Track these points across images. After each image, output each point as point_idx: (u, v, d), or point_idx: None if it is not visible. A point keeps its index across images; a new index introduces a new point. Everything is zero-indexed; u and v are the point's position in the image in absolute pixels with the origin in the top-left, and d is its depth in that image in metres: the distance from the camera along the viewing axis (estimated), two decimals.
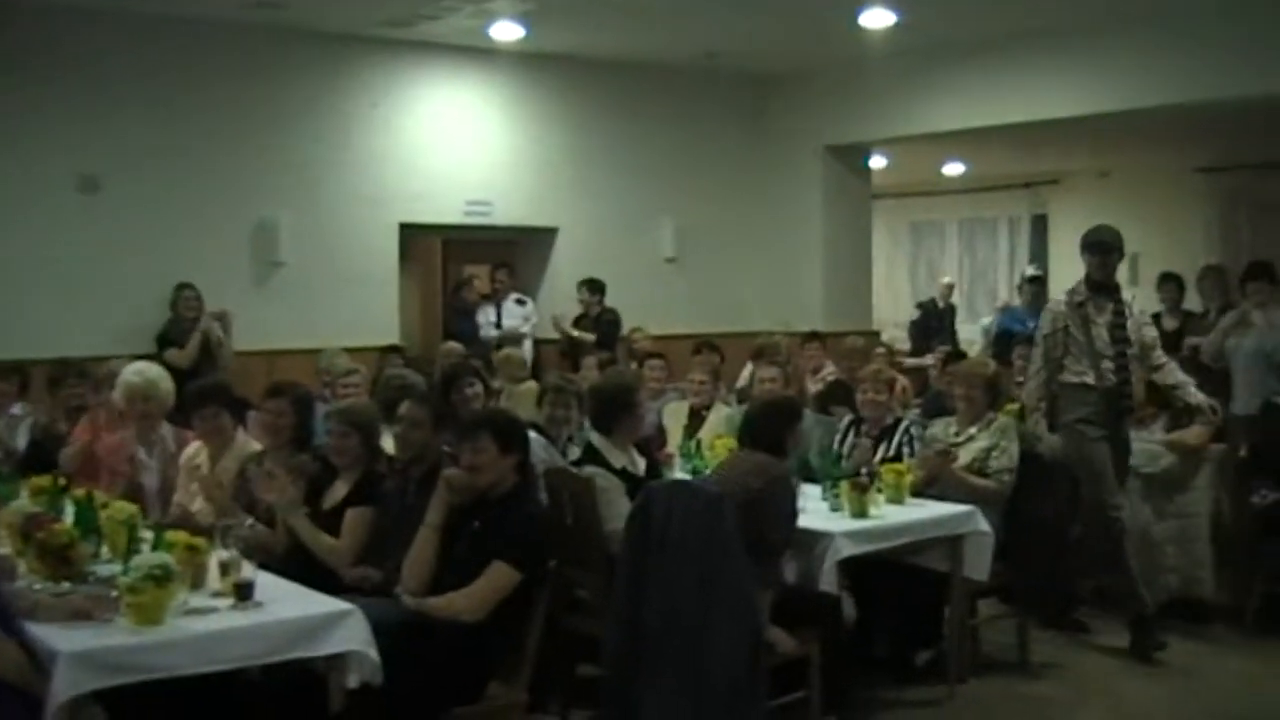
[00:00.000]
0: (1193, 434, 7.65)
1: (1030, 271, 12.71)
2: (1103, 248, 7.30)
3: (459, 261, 13.32)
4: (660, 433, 8.01)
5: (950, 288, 16.14)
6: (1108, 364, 7.07)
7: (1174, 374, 7.28)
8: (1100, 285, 7.24)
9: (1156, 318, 10.84)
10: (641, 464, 6.09)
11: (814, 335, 10.99)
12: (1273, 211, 14.22)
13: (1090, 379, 7.07)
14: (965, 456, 6.78)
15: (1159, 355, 7.33)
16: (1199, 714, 6.26)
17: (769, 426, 5.71)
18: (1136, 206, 15.69)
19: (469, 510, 5.03)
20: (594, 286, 11.97)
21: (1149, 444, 7.77)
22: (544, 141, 12.39)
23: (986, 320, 15.96)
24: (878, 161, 14.12)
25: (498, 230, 12.59)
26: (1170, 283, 11.06)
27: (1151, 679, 6.74)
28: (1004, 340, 11.32)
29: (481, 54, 11.78)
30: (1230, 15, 10.03)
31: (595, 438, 6.07)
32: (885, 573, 6.34)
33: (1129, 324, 7.18)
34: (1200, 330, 9.97)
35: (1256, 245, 14.17)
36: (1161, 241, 14.76)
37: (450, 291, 12.15)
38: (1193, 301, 11.02)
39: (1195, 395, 7.17)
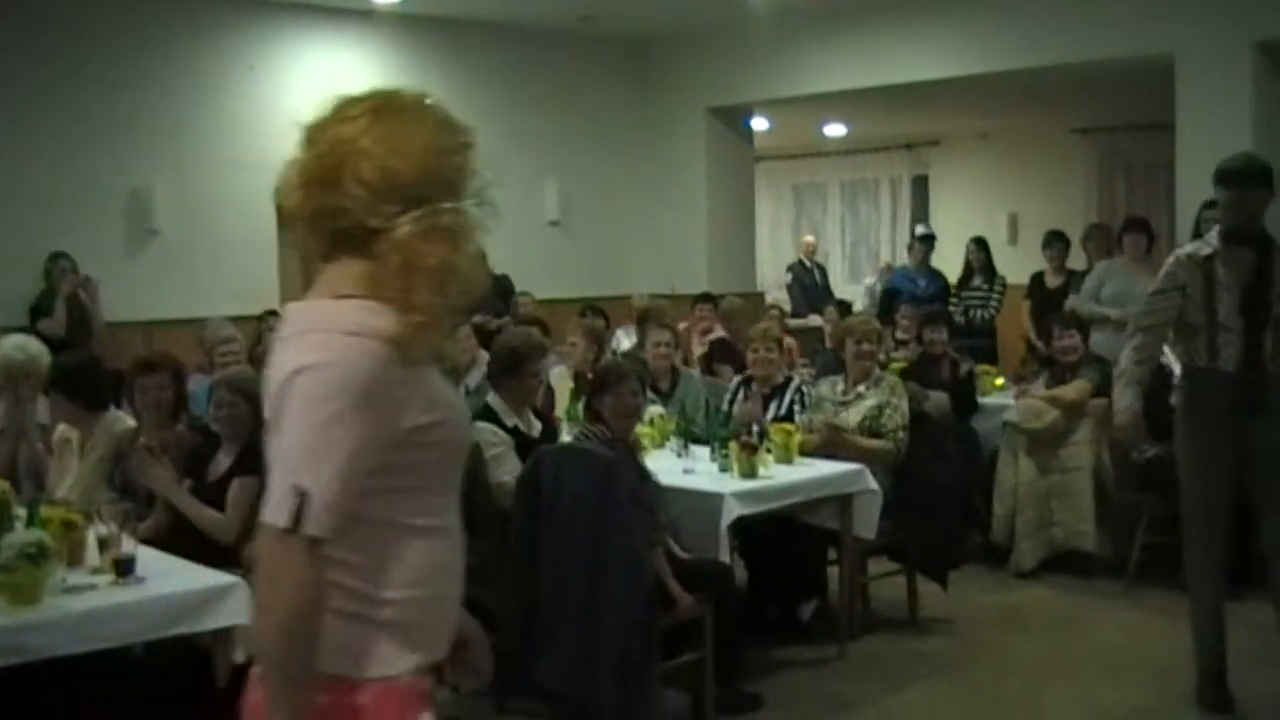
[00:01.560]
0: (1073, 389, 7.77)
1: (921, 230, 12.78)
2: (1238, 178, 5.34)
3: None
4: (550, 396, 7.98)
5: (812, 246, 16.22)
6: (1231, 340, 5.32)
7: None
8: (1236, 233, 5.37)
9: (1040, 276, 11.03)
10: (537, 426, 6.08)
11: (706, 297, 11.00)
12: (1148, 171, 14.43)
13: (1202, 360, 5.42)
14: (855, 415, 6.82)
15: None
16: (1082, 664, 6.36)
17: (587, 400, 5.71)
18: (1015, 167, 15.89)
19: None
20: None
21: (1031, 400, 7.90)
22: None
23: (869, 280, 16.09)
24: (759, 124, 14.12)
25: None
26: (1057, 242, 11.19)
27: (1036, 632, 6.84)
28: (890, 297, 11.39)
29: (360, 16, 11.59)
30: None
31: (491, 395, 6.09)
32: (772, 532, 6.37)
33: (1276, 287, 5.33)
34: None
35: (1133, 204, 14.41)
36: (1040, 202, 14.96)
37: None
38: (1077, 260, 11.17)
39: None
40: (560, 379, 8.20)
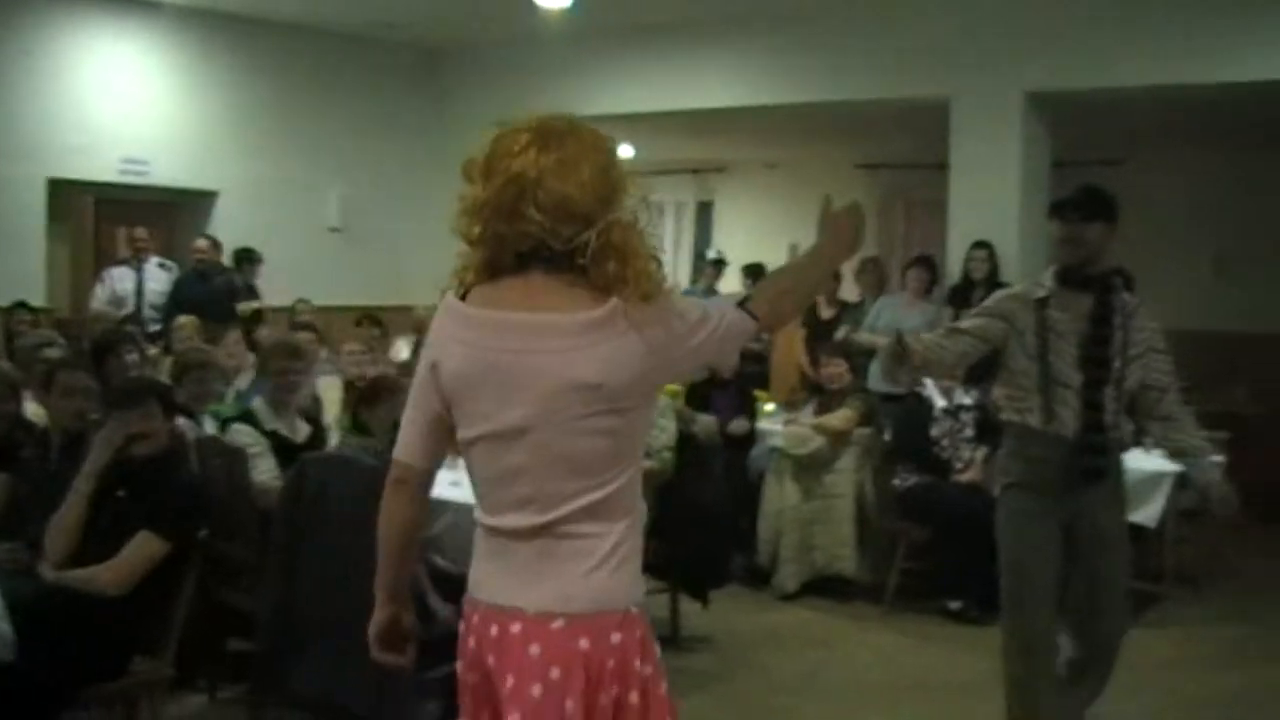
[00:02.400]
0: (839, 418, 7.97)
1: (713, 255, 13.06)
2: (1073, 209, 4.70)
3: (113, 222, 12.79)
4: (316, 404, 7.88)
5: None
6: (1068, 399, 4.65)
7: (1182, 435, 4.86)
8: (1073, 273, 4.71)
9: (814, 306, 11.27)
10: (304, 430, 6.03)
11: None
12: (927, 208, 14.83)
13: (1035, 420, 4.71)
14: None
15: (1171, 403, 4.83)
16: (840, 683, 6.52)
17: (355, 409, 5.64)
18: (800, 198, 16.13)
19: (114, 478, 4.85)
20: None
21: (798, 426, 8.08)
22: (208, 102, 12.00)
23: None
24: None
25: (155, 191, 12.11)
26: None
27: (796, 652, 7.00)
28: None
29: (146, 7, 11.33)
30: (889, 19, 10.45)
31: (257, 400, 6.10)
32: None
33: (1117, 340, 4.67)
34: (857, 319, 10.43)
35: (910, 240, 14.82)
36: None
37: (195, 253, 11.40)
38: (850, 292, 11.46)
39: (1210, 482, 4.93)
40: (329, 388, 8.12)
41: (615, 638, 2.60)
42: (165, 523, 4.66)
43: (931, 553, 7.75)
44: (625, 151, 16.32)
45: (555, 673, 2.54)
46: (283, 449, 5.75)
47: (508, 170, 2.58)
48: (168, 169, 11.81)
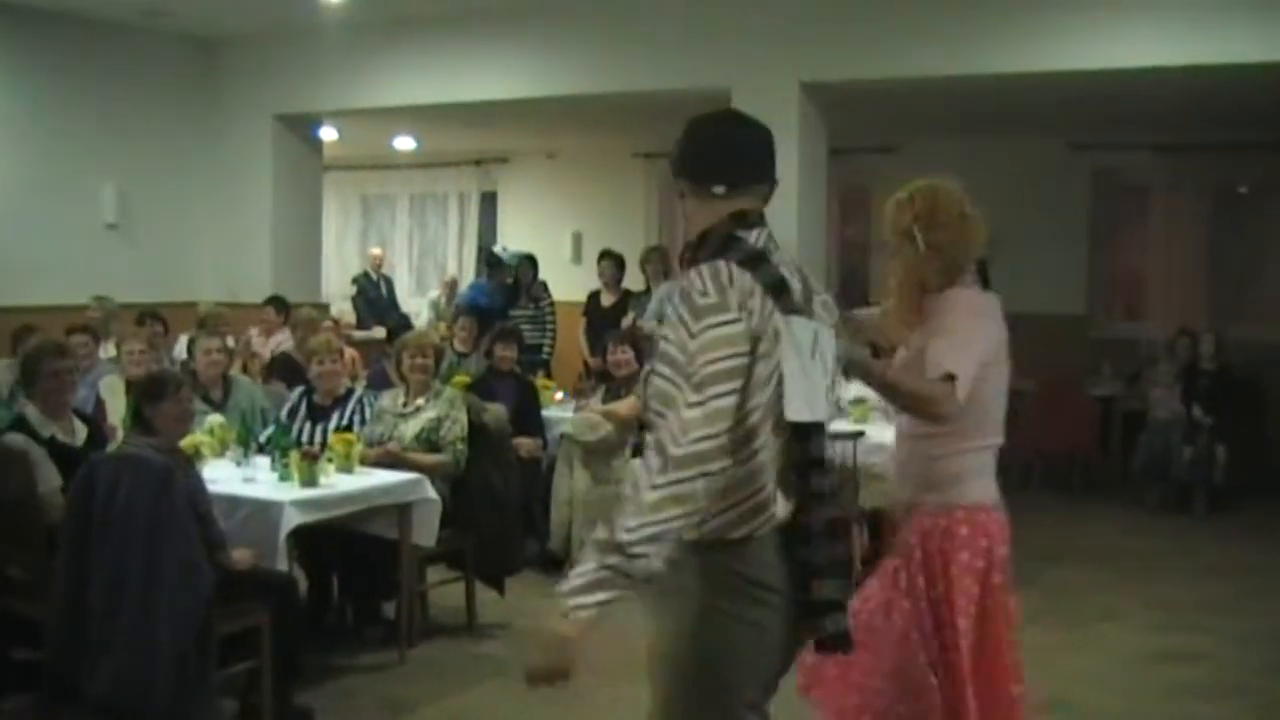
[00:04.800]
0: (625, 405, 8.11)
1: (508, 255, 13.25)
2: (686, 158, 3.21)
3: None
4: (100, 407, 7.75)
5: (379, 258, 16.31)
6: None
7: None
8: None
9: (596, 294, 11.41)
10: (82, 432, 5.90)
11: (273, 300, 11.12)
12: None
13: None
14: (414, 427, 6.94)
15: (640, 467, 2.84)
16: (637, 663, 6.61)
17: (136, 407, 5.52)
18: (582, 187, 16.32)
19: None
20: None
21: (587, 414, 8.21)
22: None
23: (434, 294, 16.23)
24: (328, 133, 14.02)
25: None
26: (608, 260, 11.61)
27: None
28: (470, 312, 11.54)
29: None
30: (666, 10, 10.61)
31: (28, 407, 5.88)
32: (337, 542, 6.44)
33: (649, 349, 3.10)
34: (642, 308, 10.60)
35: (691, 228, 15.05)
36: (604, 221, 15.44)
37: None
38: (637, 281, 11.62)
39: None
40: (111, 388, 7.99)
41: None
42: None
43: None
44: (407, 143, 16.32)
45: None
46: (62, 455, 5.61)
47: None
48: None
